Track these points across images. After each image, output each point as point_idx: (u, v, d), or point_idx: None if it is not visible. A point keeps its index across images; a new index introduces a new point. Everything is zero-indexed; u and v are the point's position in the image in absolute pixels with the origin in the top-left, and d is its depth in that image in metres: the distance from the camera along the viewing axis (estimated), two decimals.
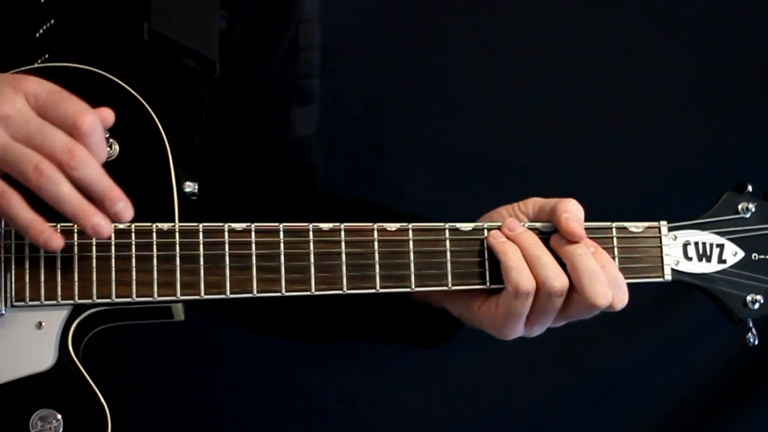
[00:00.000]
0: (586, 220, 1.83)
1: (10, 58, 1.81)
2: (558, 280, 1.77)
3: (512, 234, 1.81)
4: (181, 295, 1.74)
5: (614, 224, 1.85)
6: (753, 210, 1.88)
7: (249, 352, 2.60)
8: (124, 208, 1.64)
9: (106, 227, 1.63)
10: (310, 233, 1.78)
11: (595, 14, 2.71)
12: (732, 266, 1.87)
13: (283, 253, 1.77)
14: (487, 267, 1.81)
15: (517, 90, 2.70)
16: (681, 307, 2.70)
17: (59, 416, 1.70)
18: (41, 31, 1.84)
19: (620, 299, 1.80)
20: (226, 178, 2.06)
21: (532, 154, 2.71)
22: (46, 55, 1.83)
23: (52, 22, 1.84)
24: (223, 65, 1.93)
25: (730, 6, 2.73)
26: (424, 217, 1.86)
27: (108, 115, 1.65)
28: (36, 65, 1.78)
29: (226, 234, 1.76)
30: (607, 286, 1.78)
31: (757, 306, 1.87)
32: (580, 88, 2.71)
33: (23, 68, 1.76)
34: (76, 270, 1.72)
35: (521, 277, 1.77)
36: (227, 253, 1.75)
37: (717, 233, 1.87)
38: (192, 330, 1.85)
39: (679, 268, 1.85)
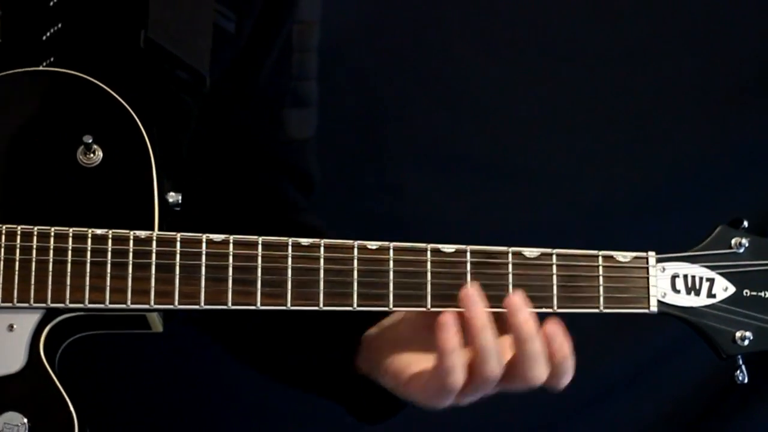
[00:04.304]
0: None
1: (16, 59, 1.81)
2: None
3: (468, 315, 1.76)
4: (155, 304, 1.73)
5: (601, 252, 1.80)
6: (746, 245, 1.83)
7: None
8: None
9: None
10: (289, 247, 1.75)
11: (596, 16, 2.69)
12: (722, 301, 1.82)
13: (260, 266, 1.74)
14: None
15: (518, 91, 2.68)
16: None
17: (25, 420, 1.69)
18: (48, 34, 1.85)
19: (561, 382, 1.79)
20: (212, 190, 2.05)
21: (532, 155, 2.69)
22: (52, 59, 1.83)
23: (60, 26, 1.85)
24: (230, 70, 1.93)
25: (734, 8, 2.69)
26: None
27: None
28: (30, 69, 1.78)
29: (204, 244, 1.74)
30: (545, 369, 1.76)
31: (746, 342, 1.82)
32: (581, 89, 2.68)
33: (24, 69, 1.77)
34: (50, 273, 1.71)
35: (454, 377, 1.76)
36: (204, 264, 1.74)
37: (708, 267, 1.82)
38: (188, 331, 1.86)
39: (666, 300, 1.81)
